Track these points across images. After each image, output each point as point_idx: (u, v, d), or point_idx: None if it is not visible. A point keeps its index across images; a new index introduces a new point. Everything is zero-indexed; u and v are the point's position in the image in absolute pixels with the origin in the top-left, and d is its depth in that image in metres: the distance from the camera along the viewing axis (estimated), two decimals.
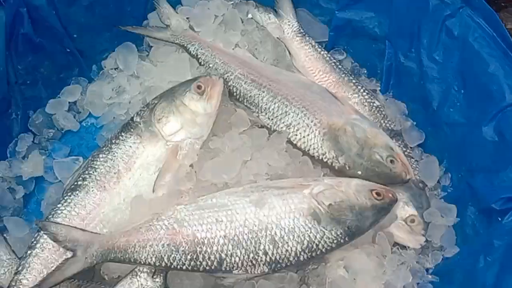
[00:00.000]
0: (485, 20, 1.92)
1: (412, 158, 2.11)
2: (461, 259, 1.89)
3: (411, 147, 2.14)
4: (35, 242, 1.86)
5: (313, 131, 2.01)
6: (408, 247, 1.95)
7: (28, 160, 2.23)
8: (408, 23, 2.11)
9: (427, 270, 1.93)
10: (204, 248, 1.71)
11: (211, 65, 2.21)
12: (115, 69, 2.42)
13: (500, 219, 1.76)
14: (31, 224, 2.08)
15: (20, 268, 1.83)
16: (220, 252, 1.71)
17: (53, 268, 1.75)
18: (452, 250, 1.92)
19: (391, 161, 1.94)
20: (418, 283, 1.89)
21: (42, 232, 1.81)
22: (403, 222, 1.95)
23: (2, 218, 2.10)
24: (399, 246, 1.94)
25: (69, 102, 2.38)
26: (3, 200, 2.15)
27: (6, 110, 2.22)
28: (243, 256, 1.72)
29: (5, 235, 2.00)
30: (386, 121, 2.16)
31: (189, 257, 1.71)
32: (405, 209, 1.97)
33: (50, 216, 1.90)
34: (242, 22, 2.36)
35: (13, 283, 1.81)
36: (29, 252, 1.85)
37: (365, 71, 2.35)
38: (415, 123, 2.17)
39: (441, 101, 2.05)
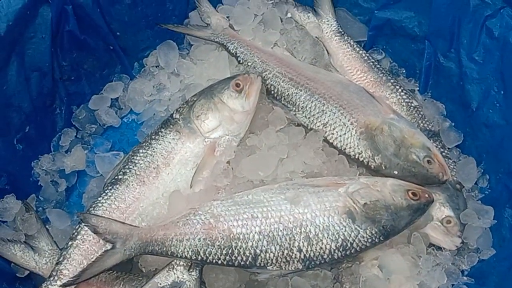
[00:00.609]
0: None
1: (450, 159, 2.09)
2: (497, 261, 1.87)
3: (449, 148, 2.12)
4: (76, 233, 1.91)
5: (349, 130, 2.02)
6: (444, 248, 1.94)
7: (71, 154, 2.28)
8: (448, 23, 2.10)
9: (462, 272, 1.93)
10: (239, 244, 1.74)
11: (249, 64, 2.24)
12: (156, 66, 2.47)
13: None
14: (72, 216, 2.15)
15: (61, 258, 1.88)
16: (255, 248, 1.73)
17: (93, 260, 1.79)
18: (488, 252, 1.91)
19: (428, 162, 1.93)
20: (453, 285, 1.88)
21: (83, 224, 1.85)
22: (439, 223, 1.94)
23: (45, 210, 2.17)
24: (435, 247, 1.94)
25: (111, 99, 2.43)
26: (46, 192, 2.21)
27: (51, 105, 2.28)
28: (278, 253, 1.74)
29: (47, 226, 2.06)
30: (424, 122, 2.15)
31: (224, 251, 1.74)
32: (441, 210, 1.96)
33: (91, 209, 1.94)
34: (281, 21, 2.38)
35: (54, 273, 1.86)
36: (70, 243, 1.90)
37: (404, 71, 2.35)
38: (453, 124, 2.15)
39: (480, 102, 2.03)
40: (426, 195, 1.83)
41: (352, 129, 2.01)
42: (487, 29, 1.98)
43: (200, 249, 1.74)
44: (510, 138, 1.91)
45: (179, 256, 1.76)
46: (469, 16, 2.02)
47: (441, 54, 2.17)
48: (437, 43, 2.17)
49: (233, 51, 2.29)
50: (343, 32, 2.33)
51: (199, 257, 1.75)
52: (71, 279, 1.77)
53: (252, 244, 1.74)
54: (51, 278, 1.86)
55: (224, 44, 2.31)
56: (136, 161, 2.00)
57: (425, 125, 2.14)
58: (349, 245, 1.75)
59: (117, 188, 1.96)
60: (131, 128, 2.43)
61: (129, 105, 2.44)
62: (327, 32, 2.34)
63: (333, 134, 2.03)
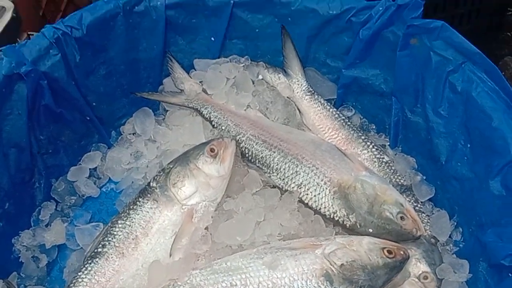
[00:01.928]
0: (487, 74, 1.94)
1: (423, 213, 2.11)
2: None
3: (421, 202, 2.15)
4: None
5: (323, 190, 2.04)
6: None
7: (51, 228, 2.28)
8: (412, 79, 2.15)
9: None
10: None
11: (223, 127, 2.28)
12: (133, 134, 2.51)
13: (511, 275, 1.74)
14: None
15: None
16: None
17: None
18: None
19: (401, 218, 1.95)
20: None
21: None
22: (416, 279, 1.94)
23: (27, 287, 2.15)
24: None
25: (89, 169, 2.45)
26: (27, 269, 2.20)
27: (30, 180, 2.29)
28: None
29: None
30: (396, 176, 2.19)
31: None
32: (417, 266, 1.96)
33: (71, 285, 1.94)
34: (253, 83, 2.44)
35: None
36: None
37: (374, 127, 2.40)
38: (424, 177, 2.18)
39: (448, 156, 2.06)
40: (402, 252, 1.84)
41: (326, 188, 2.04)
42: (450, 84, 2.02)
43: None
44: (479, 191, 1.92)
45: None
46: (432, 72, 2.07)
47: (408, 109, 2.21)
48: (403, 99, 2.22)
49: (207, 116, 2.34)
50: (313, 91, 2.38)
51: None
52: None
53: None
54: None
55: (198, 109, 2.36)
56: (115, 233, 2.01)
57: (397, 179, 2.18)
58: None
59: (97, 262, 1.96)
60: (110, 197, 2.45)
61: (107, 174, 2.46)
62: (298, 92, 2.38)
63: (307, 194, 2.06)
